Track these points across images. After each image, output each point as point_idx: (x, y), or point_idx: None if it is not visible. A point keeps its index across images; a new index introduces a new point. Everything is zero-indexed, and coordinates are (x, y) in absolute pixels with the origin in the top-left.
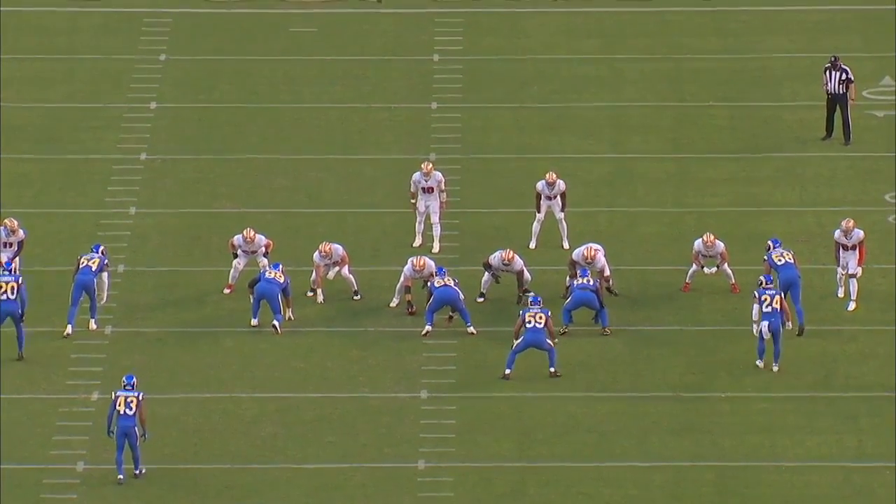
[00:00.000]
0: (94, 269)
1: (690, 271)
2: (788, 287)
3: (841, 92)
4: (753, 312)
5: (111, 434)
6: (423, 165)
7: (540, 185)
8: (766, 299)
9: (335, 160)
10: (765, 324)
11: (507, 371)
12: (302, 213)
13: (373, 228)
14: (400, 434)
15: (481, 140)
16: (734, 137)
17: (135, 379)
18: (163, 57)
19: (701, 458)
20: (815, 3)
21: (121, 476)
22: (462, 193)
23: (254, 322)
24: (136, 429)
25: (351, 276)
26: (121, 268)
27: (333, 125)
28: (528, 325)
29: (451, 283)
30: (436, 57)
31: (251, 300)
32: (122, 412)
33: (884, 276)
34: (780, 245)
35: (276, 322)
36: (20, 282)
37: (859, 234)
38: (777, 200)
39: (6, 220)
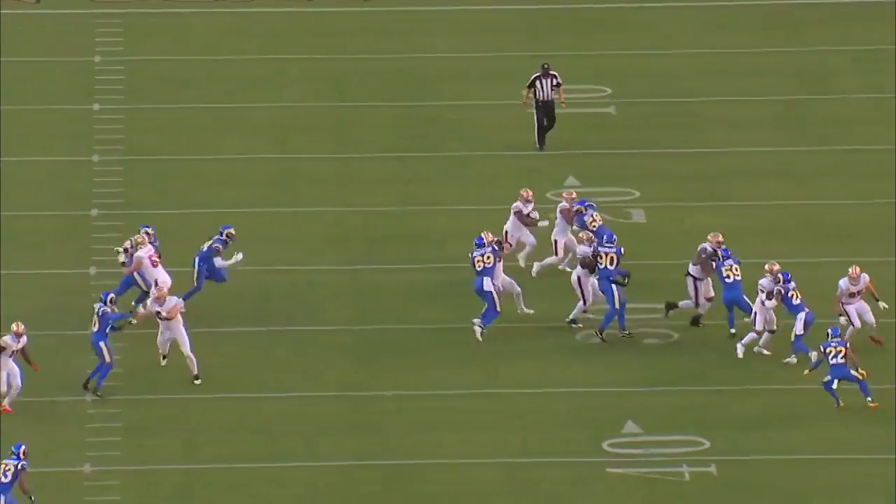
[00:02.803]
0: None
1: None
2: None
3: (552, 98)
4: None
5: None
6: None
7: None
8: (792, 294)
9: None
10: (801, 315)
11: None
12: None
13: (35, 231)
14: (65, 438)
15: (145, 141)
16: (397, 136)
17: (23, 447)
18: None
19: (368, 456)
20: (476, 3)
21: None
22: (126, 195)
23: None
24: (5, 497)
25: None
26: None
27: None
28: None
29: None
30: (97, 58)
31: None
32: None
33: (561, 276)
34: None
35: None
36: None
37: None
38: (441, 199)
39: None
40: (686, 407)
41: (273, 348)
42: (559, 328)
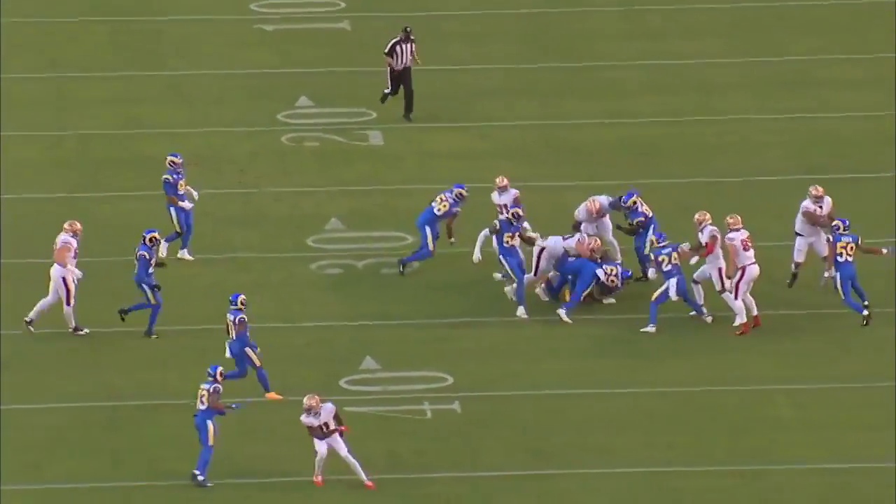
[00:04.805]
0: None
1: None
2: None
3: (409, 65)
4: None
5: None
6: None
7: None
8: (840, 248)
9: None
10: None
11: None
12: None
13: None
14: None
15: None
16: (116, 55)
17: (219, 369)
18: None
19: (92, 398)
20: None
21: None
22: None
23: None
24: (207, 423)
25: None
26: None
27: None
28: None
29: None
30: None
31: None
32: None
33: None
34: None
35: None
36: None
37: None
38: (163, 121)
39: None
40: (427, 340)
41: None
42: (292, 259)
